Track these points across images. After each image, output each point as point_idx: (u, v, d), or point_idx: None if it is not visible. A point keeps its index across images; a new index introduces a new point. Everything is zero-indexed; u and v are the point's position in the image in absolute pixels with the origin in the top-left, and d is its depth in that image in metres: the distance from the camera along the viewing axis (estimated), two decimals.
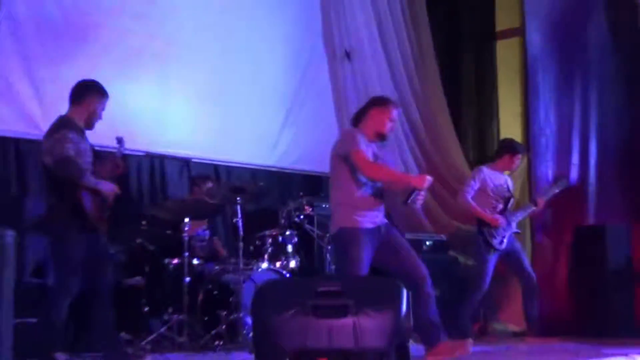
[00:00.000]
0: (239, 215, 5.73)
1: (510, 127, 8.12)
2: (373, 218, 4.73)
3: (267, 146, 7.53)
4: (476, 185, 6.28)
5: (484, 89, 8.47)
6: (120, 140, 4.97)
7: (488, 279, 6.17)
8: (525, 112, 7.93)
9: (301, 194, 6.76)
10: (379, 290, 3.58)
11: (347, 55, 7.63)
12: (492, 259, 6.20)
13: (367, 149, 4.73)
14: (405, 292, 3.53)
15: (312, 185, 7.79)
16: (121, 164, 5.03)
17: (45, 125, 6.05)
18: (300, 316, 3.46)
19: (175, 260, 5.87)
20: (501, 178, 6.44)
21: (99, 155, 5.00)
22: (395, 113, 4.91)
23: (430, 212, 7.42)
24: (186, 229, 5.72)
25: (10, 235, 2.33)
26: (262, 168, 7.50)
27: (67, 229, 4.64)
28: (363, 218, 4.66)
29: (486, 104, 8.43)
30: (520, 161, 6.62)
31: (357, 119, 4.93)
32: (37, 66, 6.12)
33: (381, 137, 4.86)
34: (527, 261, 6.50)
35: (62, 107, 5.16)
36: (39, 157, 4.84)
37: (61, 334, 4.74)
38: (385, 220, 4.86)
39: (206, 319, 5.67)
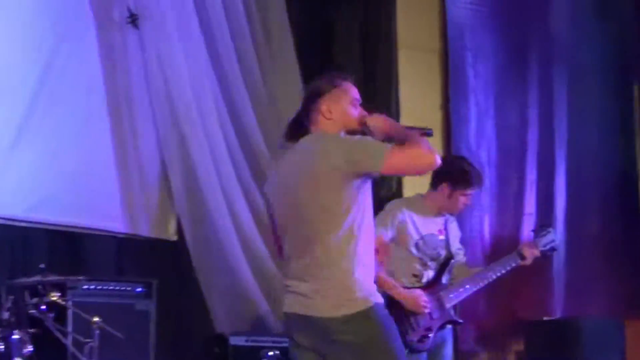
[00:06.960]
0: None
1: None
2: None
3: None
4: (388, 234, 5.62)
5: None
6: None
7: None
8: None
9: (43, 266, 5.80)
10: None
11: (133, 18, 7.11)
12: None
13: None
14: None
15: (66, 250, 6.82)
16: None
17: None
18: None
19: None
20: (434, 224, 5.83)
21: None
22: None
23: None
24: None
25: None
26: None
27: None
28: None
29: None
30: (468, 198, 5.92)
31: None
32: None
33: None
34: None
35: None
36: None
37: None
38: None
39: None
